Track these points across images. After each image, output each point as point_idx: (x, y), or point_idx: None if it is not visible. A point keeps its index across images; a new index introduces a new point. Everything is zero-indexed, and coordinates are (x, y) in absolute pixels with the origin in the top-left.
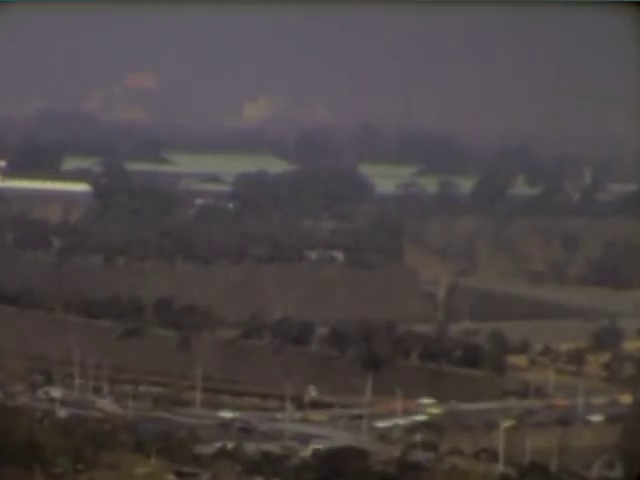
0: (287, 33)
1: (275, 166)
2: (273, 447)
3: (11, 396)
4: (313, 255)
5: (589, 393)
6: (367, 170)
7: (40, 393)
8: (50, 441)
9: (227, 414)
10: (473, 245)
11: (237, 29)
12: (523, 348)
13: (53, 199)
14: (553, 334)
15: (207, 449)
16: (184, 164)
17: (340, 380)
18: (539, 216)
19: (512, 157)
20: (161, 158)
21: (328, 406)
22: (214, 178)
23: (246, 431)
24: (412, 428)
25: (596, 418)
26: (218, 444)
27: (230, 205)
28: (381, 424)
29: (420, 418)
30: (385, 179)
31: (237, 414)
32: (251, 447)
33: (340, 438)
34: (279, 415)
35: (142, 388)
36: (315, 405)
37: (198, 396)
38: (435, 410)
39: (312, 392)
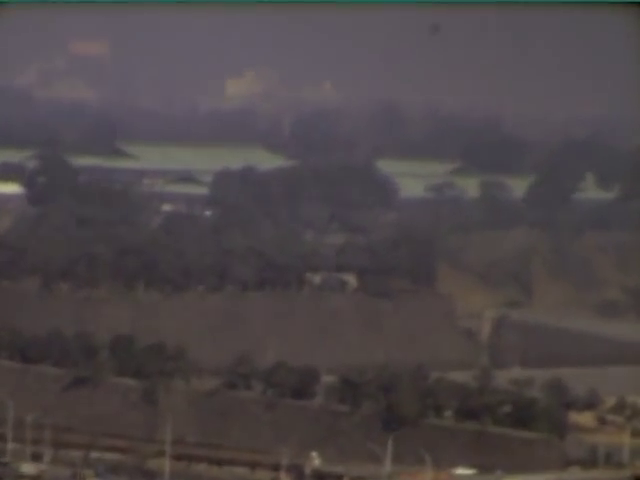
0: None
1: (266, 161)
2: None
3: None
4: (317, 279)
5: None
6: (388, 167)
7: None
8: None
9: None
10: (527, 267)
11: None
12: (591, 403)
13: None
14: (630, 384)
15: None
16: (147, 158)
17: (351, 444)
18: (614, 228)
19: (579, 150)
20: (117, 150)
21: (336, 478)
22: (186, 177)
23: None
24: None
25: None
26: None
27: (207, 212)
28: None
29: None
30: (411, 179)
31: None
32: None
33: None
34: None
35: (95, 454)
36: (319, 477)
37: (167, 465)
38: None
39: (315, 460)
